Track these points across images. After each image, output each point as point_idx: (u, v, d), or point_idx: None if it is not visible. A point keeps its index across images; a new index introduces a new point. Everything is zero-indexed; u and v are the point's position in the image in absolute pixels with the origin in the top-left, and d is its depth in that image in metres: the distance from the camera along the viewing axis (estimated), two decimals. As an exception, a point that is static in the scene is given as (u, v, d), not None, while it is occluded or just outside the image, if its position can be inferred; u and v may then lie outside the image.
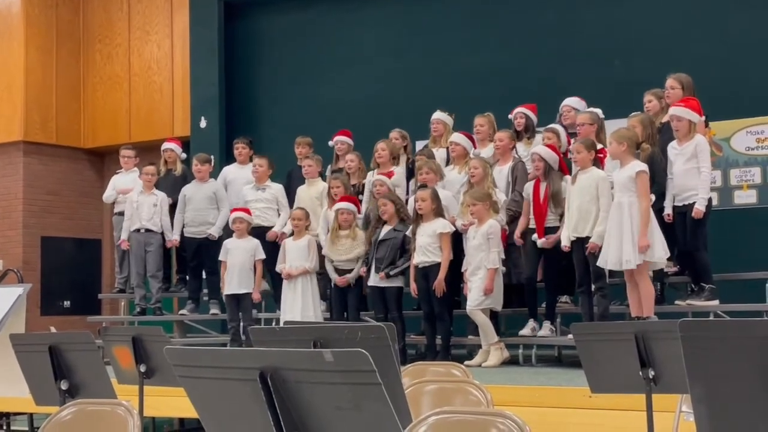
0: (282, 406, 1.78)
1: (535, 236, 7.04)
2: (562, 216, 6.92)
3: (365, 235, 7.70)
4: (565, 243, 6.75)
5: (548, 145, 7.26)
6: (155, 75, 12.60)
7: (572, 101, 7.96)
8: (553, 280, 7.25)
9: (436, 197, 7.21)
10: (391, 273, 7.39)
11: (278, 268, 7.98)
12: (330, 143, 8.86)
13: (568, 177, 7.00)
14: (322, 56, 11.37)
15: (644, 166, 6.36)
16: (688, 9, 9.45)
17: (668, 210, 6.82)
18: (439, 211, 7.21)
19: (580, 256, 6.69)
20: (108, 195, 9.69)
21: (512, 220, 7.38)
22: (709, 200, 6.75)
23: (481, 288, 6.97)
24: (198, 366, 1.92)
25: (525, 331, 7.22)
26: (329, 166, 8.78)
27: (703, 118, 6.79)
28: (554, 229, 6.97)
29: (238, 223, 8.20)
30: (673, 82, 7.12)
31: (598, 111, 7.48)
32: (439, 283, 7.08)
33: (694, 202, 6.67)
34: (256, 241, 8.21)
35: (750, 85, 8.95)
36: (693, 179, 6.68)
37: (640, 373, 3.72)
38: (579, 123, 7.24)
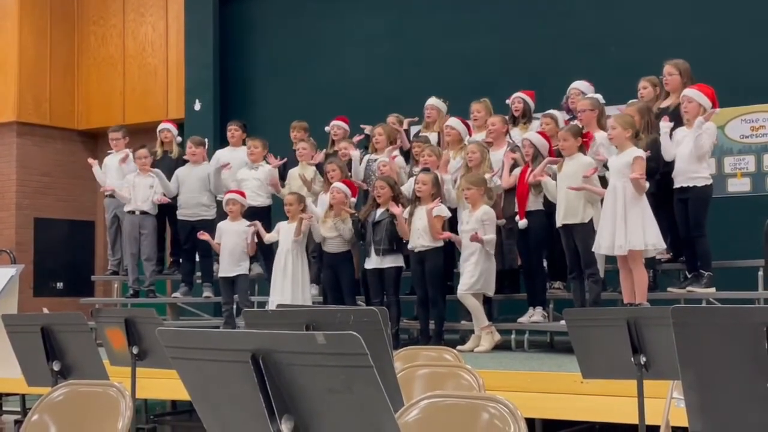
0: (274, 388, 1.78)
1: (517, 218, 7.13)
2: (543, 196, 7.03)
3: (357, 216, 7.63)
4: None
5: (542, 132, 7.27)
6: (150, 57, 12.55)
7: (580, 85, 7.90)
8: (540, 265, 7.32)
9: (436, 183, 7.21)
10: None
11: (263, 233, 7.94)
12: (327, 129, 8.84)
13: (553, 167, 7.02)
14: (317, 39, 11.33)
15: (642, 152, 6.35)
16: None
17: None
18: (437, 197, 7.20)
19: (571, 243, 6.71)
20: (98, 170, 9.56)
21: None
22: (710, 185, 6.77)
23: (473, 272, 6.98)
24: (190, 348, 1.92)
25: (524, 318, 7.24)
26: (323, 150, 8.77)
27: (717, 110, 6.78)
28: (535, 212, 7.05)
29: (231, 204, 8.15)
30: (671, 68, 7.12)
31: (599, 97, 7.45)
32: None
33: (695, 185, 6.70)
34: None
35: (745, 73, 8.93)
36: (695, 164, 6.69)
37: (632, 359, 3.74)
38: (580, 109, 7.21)
